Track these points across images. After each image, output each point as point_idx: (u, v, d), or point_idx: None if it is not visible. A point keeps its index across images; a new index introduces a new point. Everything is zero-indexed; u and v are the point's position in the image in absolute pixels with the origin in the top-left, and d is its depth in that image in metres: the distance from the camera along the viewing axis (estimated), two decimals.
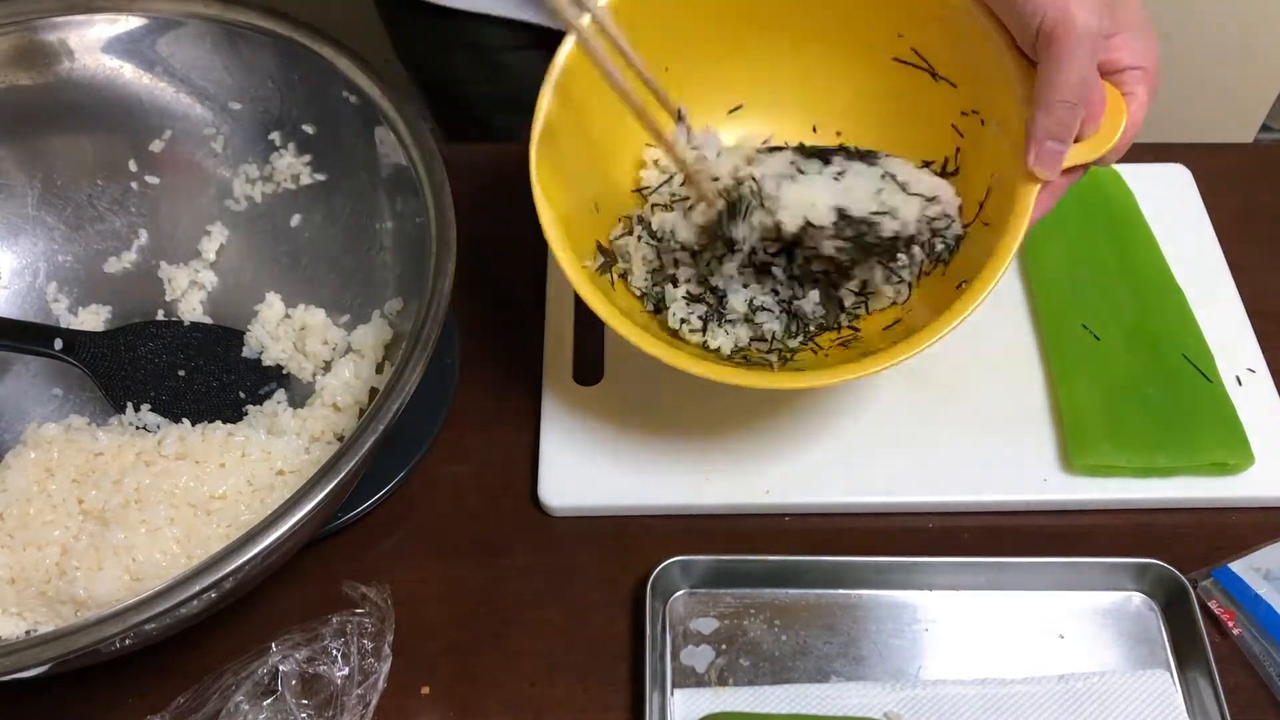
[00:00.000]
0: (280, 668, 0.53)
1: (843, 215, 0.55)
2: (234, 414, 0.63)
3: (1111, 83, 0.52)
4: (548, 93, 0.58)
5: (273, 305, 0.66)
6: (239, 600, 0.58)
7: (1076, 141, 0.52)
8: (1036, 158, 0.52)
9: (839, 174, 0.56)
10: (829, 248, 0.56)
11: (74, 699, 0.57)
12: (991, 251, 0.53)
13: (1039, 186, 0.53)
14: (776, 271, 0.60)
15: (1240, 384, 0.65)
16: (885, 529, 0.61)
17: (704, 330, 0.59)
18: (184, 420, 0.62)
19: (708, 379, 0.54)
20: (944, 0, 0.57)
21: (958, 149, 0.60)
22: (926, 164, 0.60)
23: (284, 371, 0.65)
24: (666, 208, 0.62)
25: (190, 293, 0.68)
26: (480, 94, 0.89)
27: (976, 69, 0.57)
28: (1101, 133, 0.52)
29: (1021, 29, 0.52)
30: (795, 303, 0.60)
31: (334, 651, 0.53)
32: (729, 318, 0.59)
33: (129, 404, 0.63)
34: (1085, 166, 0.54)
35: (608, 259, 0.61)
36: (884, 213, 0.55)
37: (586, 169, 0.62)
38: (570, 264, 0.56)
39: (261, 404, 0.64)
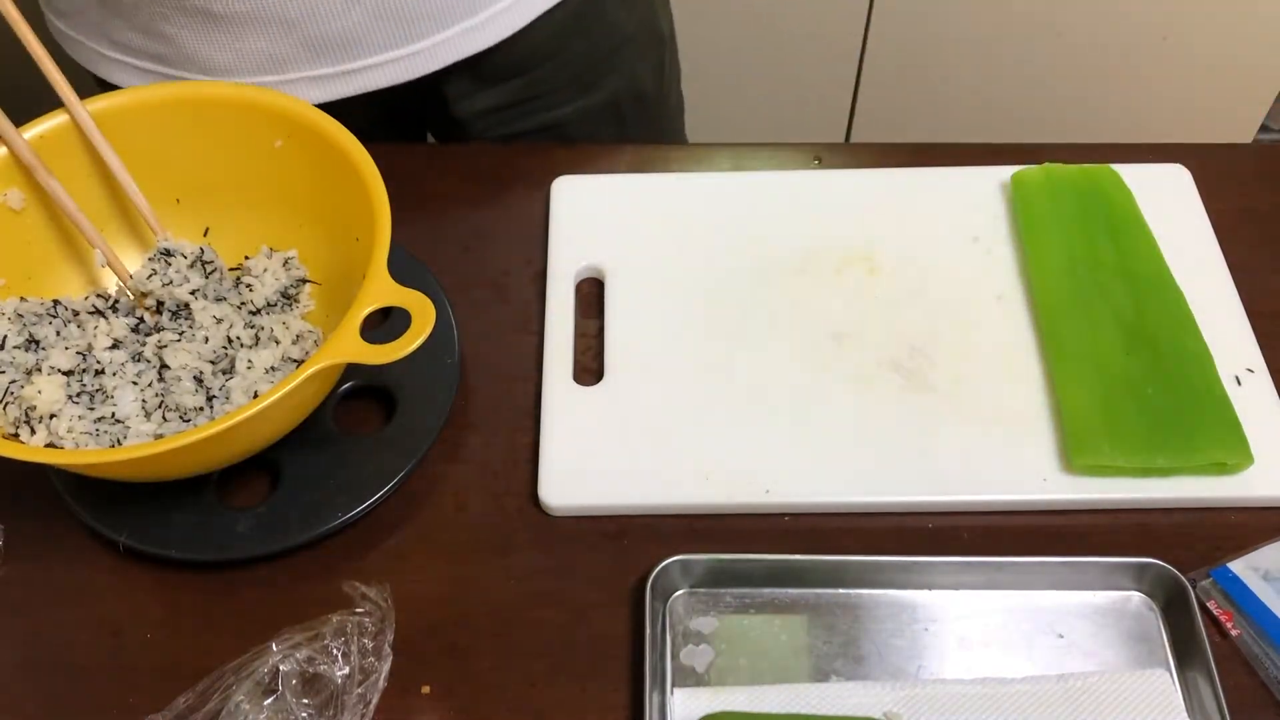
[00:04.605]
0: (280, 667, 0.53)
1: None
2: None
3: None
4: None
5: None
6: (239, 600, 0.59)
7: None
8: None
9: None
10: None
11: (74, 698, 0.57)
12: None
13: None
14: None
15: (1240, 384, 0.65)
16: (885, 529, 0.61)
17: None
18: None
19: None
20: None
21: None
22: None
23: None
24: None
25: None
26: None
27: None
28: None
29: None
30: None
31: (334, 651, 0.53)
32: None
33: None
34: None
35: None
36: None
37: None
38: None
39: None
